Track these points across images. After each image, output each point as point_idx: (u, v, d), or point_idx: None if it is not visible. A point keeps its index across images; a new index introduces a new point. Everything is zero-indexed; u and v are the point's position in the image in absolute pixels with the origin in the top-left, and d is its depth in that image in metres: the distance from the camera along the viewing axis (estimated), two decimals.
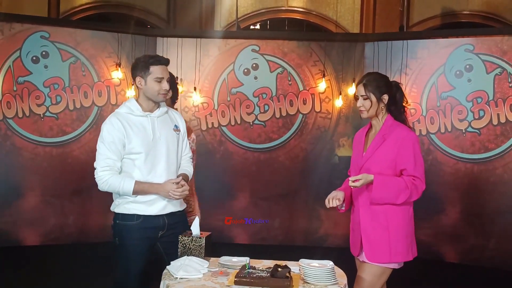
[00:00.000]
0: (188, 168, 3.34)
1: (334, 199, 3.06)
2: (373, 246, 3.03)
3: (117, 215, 3.15)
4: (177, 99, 3.74)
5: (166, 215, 3.15)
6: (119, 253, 3.14)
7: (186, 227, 3.24)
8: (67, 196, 6.65)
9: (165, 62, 3.20)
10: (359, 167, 3.10)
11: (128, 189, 3.03)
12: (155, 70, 3.12)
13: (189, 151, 3.41)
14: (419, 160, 3.03)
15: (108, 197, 3.23)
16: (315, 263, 2.74)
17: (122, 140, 3.07)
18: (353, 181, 2.94)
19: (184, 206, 3.33)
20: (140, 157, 3.09)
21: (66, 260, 5.81)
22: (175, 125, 3.27)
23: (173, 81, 3.41)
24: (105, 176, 3.04)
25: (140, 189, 3.05)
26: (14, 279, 5.17)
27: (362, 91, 3.09)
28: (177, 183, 3.08)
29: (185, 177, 3.21)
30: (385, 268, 3.05)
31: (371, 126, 3.21)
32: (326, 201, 3.07)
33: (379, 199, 2.97)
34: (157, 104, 3.23)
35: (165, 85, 3.14)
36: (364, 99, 3.08)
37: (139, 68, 3.14)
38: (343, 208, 3.19)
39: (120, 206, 3.13)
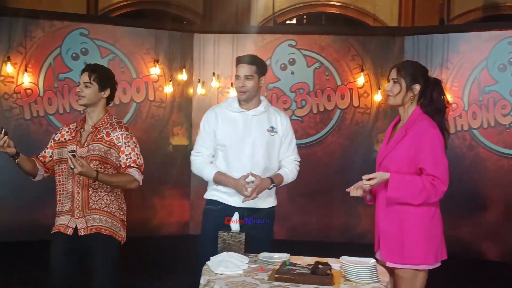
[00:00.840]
0: (286, 170, 3.38)
1: (359, 188, 2.93)
2: (387, 245, 2.86)
3: (206, 201, 3.40)
4: (112, 99, 3.28)
5: (248, 208, 3.25)
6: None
7: (265, 224, 3.35)
8: None
9: (242, 60, 3.29)
10: (379, 162, 2.95)
11: (208, 176, 3.29)
12: (236, 69, 3.30)
13: (295, 154, 3.45)
14: (440, 158, 2.79)
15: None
16: (356, 260, 2.68)
17: (214, 131, 3.30)
18: (368, 180, 2.80)
19: (271, 203, 3.40)
20: (224, 149, 3.29)
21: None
22: (271, 126, 3.33)
23: (108, 78, 3.20)
24: (194, 160, 3.35)
25: (219, 179, 3.25)
26: None
27: (394, 74, 2.91)
28: (246, 180, 3.15)
29: (277, 179, 3.30)
30: (415, 271, 2.87)
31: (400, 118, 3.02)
32: (351, 188, 2.95)
33: (394, 198, 2.79)
34: (257, 103, 3.32)
35: (239, 83, 3.25)
36: (394, 82, 2.90)
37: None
38: (371, 201, 3.08)
39: (208, 193, 3.39)
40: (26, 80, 6.40)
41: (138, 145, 3.22)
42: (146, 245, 6.38)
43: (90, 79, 3.10)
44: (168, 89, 6.96)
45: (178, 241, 6.71)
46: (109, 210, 3.12)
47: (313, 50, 7.01)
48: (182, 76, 7.04)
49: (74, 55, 6.60)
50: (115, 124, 3.19)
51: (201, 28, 7.96)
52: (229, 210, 3.20)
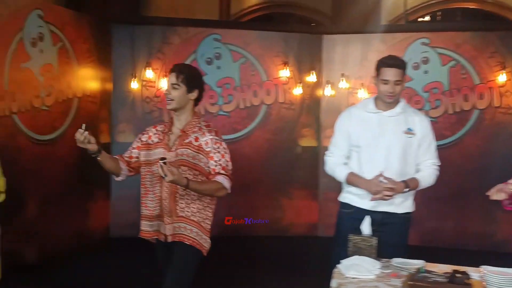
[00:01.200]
0: (423, 174, 3.22)
1: (501, 191, 2.73)
2: None
3: (340, 204, 3.38)
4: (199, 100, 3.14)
5: (383, 213, 3.16)
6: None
7: (401, 230, 3.25)
8: None
9: (392, 64, 3.12)
10: None
11: (339, 176, 3.27)
12: (383, 72, 3.13)
13: (434, 157, 3.28)
14: None
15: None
16: (499, 270, 2.50)
17: (347, 131, 3.27)
18: None
19: (408, 209, 3.26)
20: (358, 150, 3.23)
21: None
22: (409, 128, 3.20)
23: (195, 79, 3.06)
24: (327, 160, 3.35)
25: (351, 180, 3.22)
26: None
27: None
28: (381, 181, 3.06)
29: (412, 183, 3.14)
30: None
31: None
32: (492, 191, 2.75)
33: None
34: (394, 104, 3.21)
35: (388, 88, 3.10)
36: None
37: (375, 69, 3.20)
38: (510, 206, 2.84)
39: (341, 195, 3.36)
40: (165, 84, 6.78)
41: (228, 150, 3.04)
42: (276, 244, 6.49)
43: (177, 80, 2.97)
44: (298, 91, 7.01)
45: (307, 242, 6.74)
46: (195, 219, 2.99)
47: (448, 48, 6.68)
48: (311, 78, 7.05)
49: (208, 59, 6.88)
50: (204, 128, 3.02)
51: (329, 29, 7.93)
52: (362, 213, 3.09)
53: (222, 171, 2.96)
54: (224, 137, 3.21)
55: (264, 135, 6.97)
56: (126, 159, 3.11)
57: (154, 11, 9.11)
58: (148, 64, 6.72)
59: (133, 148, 3.14)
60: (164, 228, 3.02)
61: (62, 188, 5.70)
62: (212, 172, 2.96)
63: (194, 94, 3.01)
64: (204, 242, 3.04)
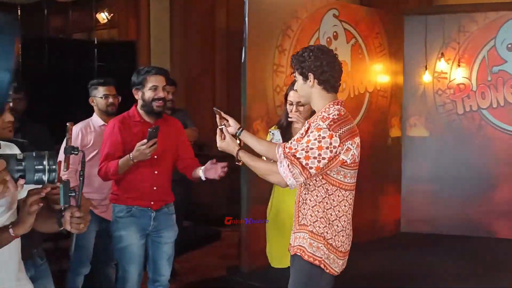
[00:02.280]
0: None
1: None
2: None
3: None
4: None
5: None
6: None
7: None
8: None
9: None
10: None
11: None
12: None
13: None
14: None
15: None
16: None
17: None
18: None
19: None
20: None
21: None
22: None
23: None
24: None
25: None
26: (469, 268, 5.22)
27: None
28: None
29: None
30: None
31: None
32: None
33: None
34: None
35: None
36: None
37: None
38: None
39: None
40: (459, 75, 6.43)
41: (326, 140, 2.49)
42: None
43: None
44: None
45: None
46: (314, 230, 2.62)
47: None
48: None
49: (509, 45, 6.27)
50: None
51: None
52: None
53: (289, 154, 2.58)
54: None
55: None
56: None
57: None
58: (441, 55, 6.46)
59: None
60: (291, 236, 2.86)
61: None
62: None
63: None
64: (327, 258, 2.68)
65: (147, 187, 3.50)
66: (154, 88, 3.44)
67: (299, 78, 2.72)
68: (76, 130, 3.90)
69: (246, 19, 4.85)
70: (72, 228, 1.87)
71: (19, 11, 6.99)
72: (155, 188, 3.52)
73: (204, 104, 7.38)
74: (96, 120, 4.09)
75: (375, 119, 6.21)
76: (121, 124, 3.49)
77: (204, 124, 6.18)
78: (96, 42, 7.77)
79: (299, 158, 2.49)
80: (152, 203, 3.53)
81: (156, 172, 3.52)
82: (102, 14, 8.29)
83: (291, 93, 3.65)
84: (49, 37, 7.36)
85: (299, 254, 2.65)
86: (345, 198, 2.67)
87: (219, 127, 2.76)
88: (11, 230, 1.85)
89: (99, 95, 4.07)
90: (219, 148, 2.78)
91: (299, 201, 2.70)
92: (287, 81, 5.13)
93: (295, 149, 2.56)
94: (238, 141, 2.83)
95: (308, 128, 2.66)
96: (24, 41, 6.53)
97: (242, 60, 4.88)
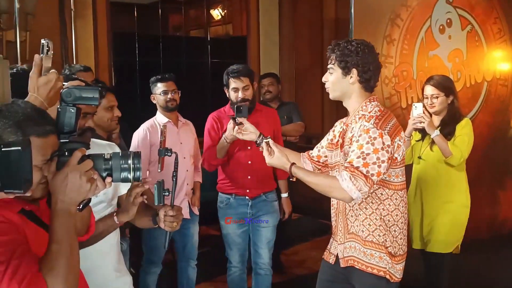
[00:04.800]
0: None
1: None
2: None
3: None
4: None
5: None
6: None
7: None
8: None
9: None
10: None
11: None
12: None
13: None
14: None
15: None
16: None
17: None
18: None
19: None
20: None
21: None
22: None
23: None
24: None
25: None
26: None
27: None
28: None
29: None
30: None
31: None
32: None
33: None
34: None
35: None
36: None
37: None
38: None
39: None
40: None
41: (378, 140, 2.33)
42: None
43: None
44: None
45: None
46: (374, 240, 2.46)
47: None
48: None
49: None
50: None
51: None
52: None
53: (348, 166, 2.38)
54: None
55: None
56: None
57: None
58: None
59: None
60: (335, 246, 2.76)
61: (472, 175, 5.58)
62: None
63: None
64: (389, 266, 2.54)
65: (242, 177, 3.77)
66: (235, 90, 3.69)
67: (337, 71, 2.53)
68: (143, 129, 4.04)
69: (352, 9, 4.75)
70: (166, 226, 2.00)
71: (135, 11, 7.39)
72: (249, 177, 3.76)
73: (313, 96, 7.36)
74: (159, 118, 4.10)
75: (494, 110, 5.80)
76: (216, 118, 3.84)
77: (312, 117, 6.19)
78: (209, 39, 8.02)
79: (358, 167, 2.30)
80: (247, 191, 3.80)
81: (249, 162, 3.74)
82: (215, 10, 8.54)
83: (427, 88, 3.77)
84: (164, 35, 7.72)
85: (357, 267, 2.49)
86: (402, 199, 2.51)
87: (265, 141, 2.60)
88: (115, 218, 2.01)
89: (159, 92, 4.08)
90: (268, 165, 2.62)
91: (346, 209, 2.54)
92: (395, 72, 4.97)
93: (350, 158, 2.36)
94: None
95: (344, 132, 2.55)
96: (140, 40, 6.95)
97: None
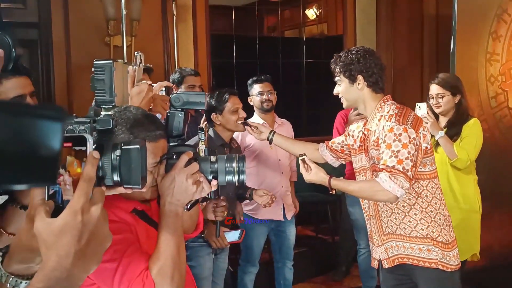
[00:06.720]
0: None
1: None
2: None
3: None
4: None
5: None
6: None
7: None
8: None
9: None
10: None
11: None
12: None
13: None
14: None
15: None
16: None
17: None
18: None
19: None
20: None
21: None
22: None
23: None
24: None
25: None
26: None
27: None
28: None
29: None
30: None
31: None
32: None
33: None
34: None
35: None
36: None
37: None
38: None
39: None
40: None
41: (404, 135, 2.42)
42: None
43: None
44: None
45: None
46: (418, 235, 2.52)
47: None
48: None
49: None
50: None
51: None
52: None
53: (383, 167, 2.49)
54: None
55: None
56: None
57: None
58: None
59: None
60: (375, 251, 2.87)
61: None
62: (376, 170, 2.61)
63: None
64: (440, 257, 2.62)
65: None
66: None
67: (345, 82, 2.63)
68: None
69: (455, 4, 4.56)
70: (217, 217, 2.11)
71: (233, 13, 7.53)
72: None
73: (411, 96, 7.13)
74: (255, 119, 4.09)
75: None
76: (344, 116, 4.24)
77: None
78: (304, 39, 8.02)
79: (394, 166, 2.36)
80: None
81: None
82: (310, 10, 8.52)
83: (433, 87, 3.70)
84: (260, 36, 7.81)
85: (409, 263, 2.56)
86: (438, 186, 2.55)
87: (300, 158, 2.62)
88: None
89: (255, 93, 4.11)
90: (306, 181, 2.65)
91: (379, 211, 2.60)
92: (502, 70, 4.71)
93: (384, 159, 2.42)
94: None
95: (366, 137, 2.61)
96: (237, 41, 7.08)
97: (451, 49, 4.62)
